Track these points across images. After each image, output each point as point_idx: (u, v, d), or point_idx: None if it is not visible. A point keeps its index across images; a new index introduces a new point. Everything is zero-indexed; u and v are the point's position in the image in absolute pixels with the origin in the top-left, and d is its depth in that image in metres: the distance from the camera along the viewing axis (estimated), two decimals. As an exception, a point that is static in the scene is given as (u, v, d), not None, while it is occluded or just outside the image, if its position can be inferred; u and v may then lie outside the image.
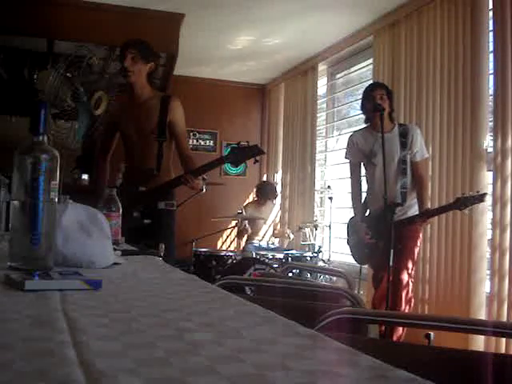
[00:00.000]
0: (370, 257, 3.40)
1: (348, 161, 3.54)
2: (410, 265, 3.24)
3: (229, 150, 2.81)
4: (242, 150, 2.73)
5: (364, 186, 3.52)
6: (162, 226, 2.86)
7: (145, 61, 2.87)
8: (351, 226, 3.56)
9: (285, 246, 5.76)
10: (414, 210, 3.27)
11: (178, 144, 2.94)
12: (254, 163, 2.78)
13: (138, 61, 2.84)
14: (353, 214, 3.57)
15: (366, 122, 3.46)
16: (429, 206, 3.33)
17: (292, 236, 5.61)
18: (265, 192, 5.61)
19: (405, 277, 3.19)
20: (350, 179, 3.56)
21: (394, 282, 3.12)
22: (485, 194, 3.05)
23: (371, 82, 4.77)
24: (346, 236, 3.62)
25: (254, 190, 6.01)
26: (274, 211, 5.78)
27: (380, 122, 3.07)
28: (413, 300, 3.35)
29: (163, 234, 2.83)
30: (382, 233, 3.13)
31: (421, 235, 3.41)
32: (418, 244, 3.37)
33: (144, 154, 2.90)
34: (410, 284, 3.26)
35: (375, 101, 3.20)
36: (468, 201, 2.99)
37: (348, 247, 3.62)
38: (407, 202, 3.25)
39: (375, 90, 3.27)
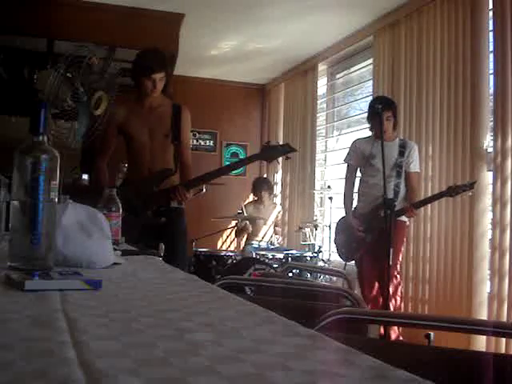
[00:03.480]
0: (356, 251, 3.55)
1: (346, 164, 3.69)
2: (396, 260, 3.38)
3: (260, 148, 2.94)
4: (273, 148, 2.83)
5: (356, 187, 3.70)
6: (177, 224, 2.97)
7: (167, 76, 2.93)
8: (340, 224, 3.73)
9: (284, 244, 5.76)
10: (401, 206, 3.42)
11: (182, 152, 3.01)
12: (286, 159, 3.01)
13: (164, 79, 2.90)
14: (343, 214, 3.72)
15: (370, 130, 3.62)
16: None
17: (280, 237, 5.67)
18: (259, 185, 5.61)
19: (393, 273, 3.29)
20: (344, 180, 3.71)
21: (383, 278, 3.21)
22: (474, 182, 3.27)
23: (371, 82, 4.79)
24: (334, 235, 3.79)
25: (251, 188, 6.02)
26: (274, 212, 5.77)
27: (380, 128, 3.22)
28: (403, 295, 3.50)
29: (179, 233, 2.97)
30: (373, 228, 3.37)
31: (406, 232, 3.63)
32: (404, 240, 3.58)
33: (155, 155, 2.95)
34: (398, 279, 3.42)
35: (382, 125, 3.29)
36: (459, 188, 3.22)
37: (335, 246, 3.82)
38: (398, 201, 3.38)
39: (383, 112, 3.35)
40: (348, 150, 3.68)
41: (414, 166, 3.52)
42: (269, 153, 2.82)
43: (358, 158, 3.57)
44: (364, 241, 3.46)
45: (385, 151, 3.16)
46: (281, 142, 2.95)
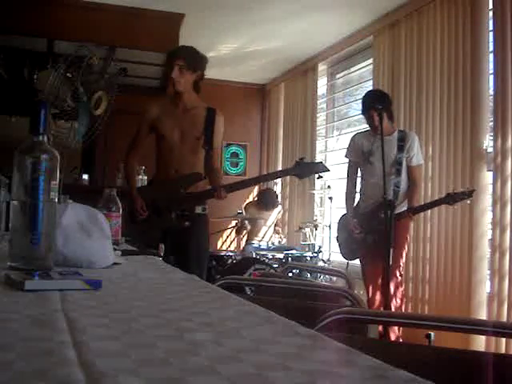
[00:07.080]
0: (357, 251, 3.52)
1: (348, 160, 3.62)
2: (398, 261, 3.31)
3: (294, 163, 2.94)
4: (307, 166, 2.89)
5: (358, 187, 3.62)
6: (200, 231, 2.94)
7: (192, 70, 2.90)
8: (341, 222, 3.68)
9: (284, 244, 5.77)
10: (402, 208, 3.37)
11: (212, 155, 3.03)
12: (318, 178, 2.99)
13: (185, 71, 2.87)
14: (344, 212, 3.67)
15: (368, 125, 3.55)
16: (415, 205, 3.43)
17: (281, 236, 5.69)
18: (265, 200, 5.57)
19: (394, 273, 3.25)
20: (346, 178, 3.66)
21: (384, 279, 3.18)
22: (473, 190, 3.21)
23: (371, 82, 4.79)
24: (336, 233, 3.75)
25: (255, 192, 6.03)
26: (274, 214, 5.77)
27: (380, 125, 3.16)
28: (404, 296, 3.44)
29: (199, 241, 2.93)
30: (373, 229, 3.31)
31: (408, 233, 3.52)
32: (407, 241, 3.49)
33: (184, 157, 2.93)
34: (399, 279, 3.34)
35: (373, 122, 3.30)
36: (458, 196, 3.16)
37: (337, 244, 3.75)
38: (398, 201, 3.33)
39: (370, 110, 3.31)
40: (348, 145, 3.62)
41: (417, 160, 3.40)
42: (302, 169, 2.87)
43: (357, 154, 3.49)
44: (364, 242, 3.40)
45: (384, 147, 3.10)
46: (316, 160, 3.02)
